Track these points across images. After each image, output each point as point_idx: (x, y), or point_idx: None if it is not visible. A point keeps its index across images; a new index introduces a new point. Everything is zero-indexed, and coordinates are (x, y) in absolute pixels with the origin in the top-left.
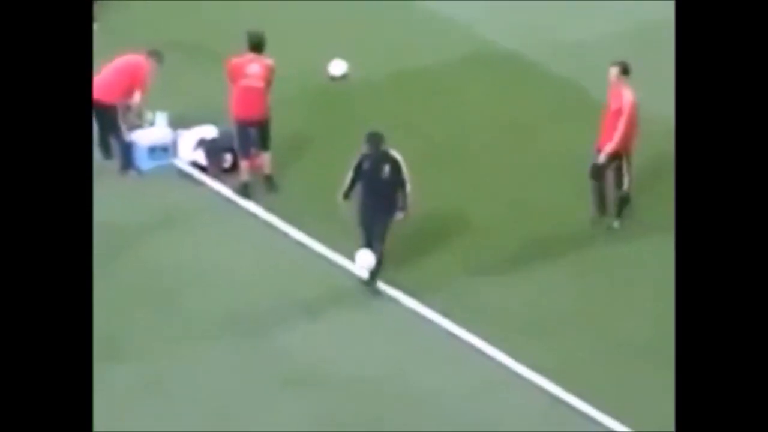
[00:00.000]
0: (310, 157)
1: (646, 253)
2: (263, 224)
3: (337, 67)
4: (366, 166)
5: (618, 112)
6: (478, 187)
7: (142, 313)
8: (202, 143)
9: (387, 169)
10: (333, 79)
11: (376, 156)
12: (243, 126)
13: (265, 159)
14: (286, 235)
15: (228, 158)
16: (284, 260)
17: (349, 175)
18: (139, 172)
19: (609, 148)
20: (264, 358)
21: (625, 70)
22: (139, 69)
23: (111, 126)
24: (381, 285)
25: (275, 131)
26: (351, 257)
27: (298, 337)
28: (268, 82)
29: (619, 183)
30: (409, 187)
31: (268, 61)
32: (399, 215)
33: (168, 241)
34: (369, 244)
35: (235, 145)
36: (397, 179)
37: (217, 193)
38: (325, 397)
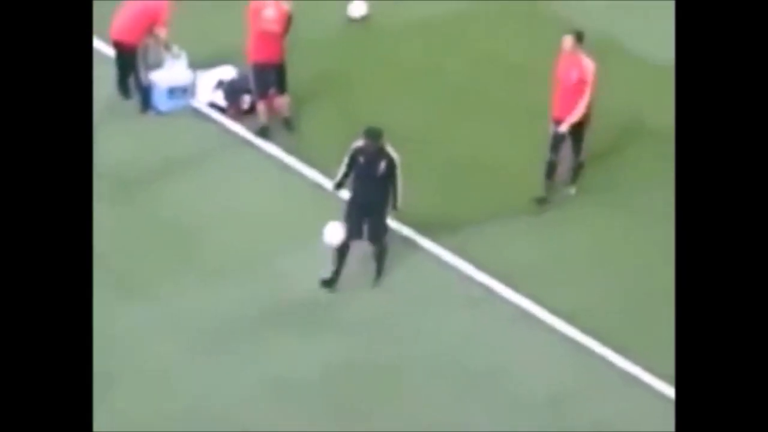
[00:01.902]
0: (328, 100)
1: (657, 199)
2: (281, 166)
3: (357, 8)
4: (361, 160)
5: (581, 82)
6: (500, 131)
7: (158, 253)
8: (221, 84)
9: (383, 165)
10: (352, 20)
11: (373, 151)
12: (260, 69)
13: (283, 101)
14: (303, 176)
15: (246, 100)
16: (301, 202)
17: (343, 166)
18: (158, 112)
19: (574, 117)
20: (280, 300)
21: (579, 38)
22: (158, 6)
23: (130, 66)
24: (398, 226)
25: (293, 74)
26: None
27: (313, 280)
28: (284, 26)
29: (577, 151)
30: (401, 187)
31: (285, 5)
32: (391, 213)
33: (185, 181)
34: (351, 236)
35: (252, 87)
36: (391, 177)
37: (235, 135)
38: (340, 339)
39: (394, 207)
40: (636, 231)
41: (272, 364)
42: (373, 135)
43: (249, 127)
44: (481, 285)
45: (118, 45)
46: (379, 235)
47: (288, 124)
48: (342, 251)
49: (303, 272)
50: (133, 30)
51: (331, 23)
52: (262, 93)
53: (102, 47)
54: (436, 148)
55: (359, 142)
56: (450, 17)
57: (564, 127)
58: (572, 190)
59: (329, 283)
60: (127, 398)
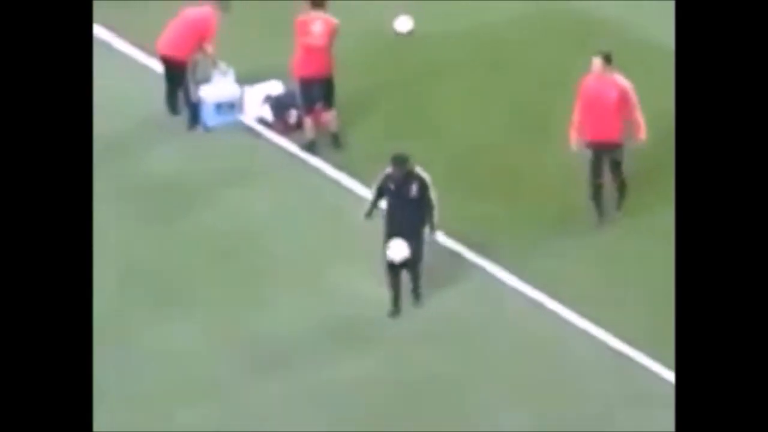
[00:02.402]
0: (375, 115)
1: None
2: (329, 181)
3: (404, 23)
4: (391, 186)
5: (622, 100)
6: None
7: (208, 266)
8: (268, 99)
9: (414, 188)
10: (399, 35)
11: (402, 176)
12: (306, 83)
13: (330, 116)
14: (351, 192)
15: (294, 114)
16: (348, 218)
17: (372, 195)
18: (206, 128)
19: (643, 133)
20: (328, 315)
21: (608, 60)
22: (207, 21)
23: (180, 82)
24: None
25: (341, 89)
26: None
27: (360, 295)
28: (331, 40)
29: (619, 172)
30: (436, 209)
31: (332, 20)
32: (429, 237)
33: (233, 197)
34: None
35: (299, 102)
36: (424, 198)
37: (283, 150)
38: (382, 355)
39: (432, 229)
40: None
41: (317, 375)
42: (400, 161)
43: (296, 142)
44: (529, 299)
45: (166, 60)
46: (416, 260)
47: (336, 139)
48: (395, 273)
49: (350, 287)
50: (182, 45)
51: (378, 37)
52: (309, 108)
53: (149, 62)
54: (487, 158)
55: (387, 170)
56: (497, 26)
57: (642, 137)
58: (619, 214)
59: (394, 312)
60: (179, 411)
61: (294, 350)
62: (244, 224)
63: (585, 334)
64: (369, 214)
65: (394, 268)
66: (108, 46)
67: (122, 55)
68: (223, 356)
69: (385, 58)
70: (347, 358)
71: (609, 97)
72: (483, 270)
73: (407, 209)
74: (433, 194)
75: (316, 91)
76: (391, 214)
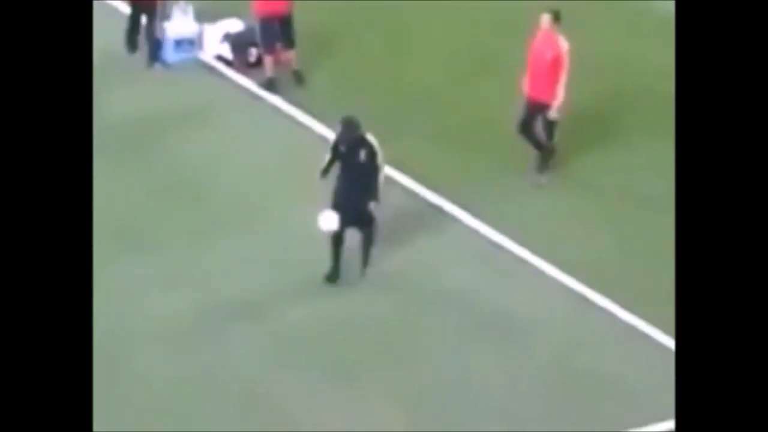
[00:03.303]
0: (335, 53)
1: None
2: (287, 119)
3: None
4: (342, 149)
5: (556, 62)
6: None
7: (166, 205)
8: (228, 37)
9: (362, 154)
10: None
11: (352, 140)
12: (266, 21)
13: (291, 55)
14: (309, 129)
15: (253, 52)
16: (307, 155)
17: (327, 153)
18: (165, 65)
19: (557, 102)
20: (288, 254)
21: (557, 17)
22: None
23: (149, 18)
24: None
25: (301, 27)
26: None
27: (318, 232)
28: None
29: (551, 135)
30: (382, 175)
31: None
32: (372, 206)
33: (193, 134)
34: (342, 224)
35: (259, 40)
36: (372, 165)
37: (242, 88)
38: (357, 294)
39: (375, 198)
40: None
41: (282, 319)
42: (349, 124)
43: (256, 80)
44: (490, 240)
45: None
46: (364, 223)
47: (298, 77)
48: (336, 242)
49: (309, 227)
50: None
51: None
52: (269, 46)
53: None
54: (447, 106)
55: (338, 132)
56: None
57: (554, 113)
58: (544, 180)
59: (332, 278)
60: (137, 356)
61: (256, 292)
62: (202, 163)
63: (539, 271)
64: (324, 173)
65: (336, 235)
66: None
67: None
68: (181, 297)
69: None
70: (311, 300)
71: (545, 56)
72: (446, 212)
73: (354, 174)
74: (381, 159)
75: (277, 29)
76: (340, 176)
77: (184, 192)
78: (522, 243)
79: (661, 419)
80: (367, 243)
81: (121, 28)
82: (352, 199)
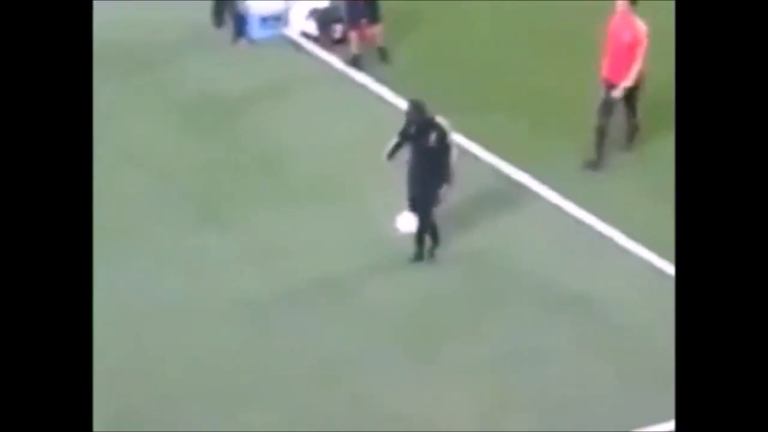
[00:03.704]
0: (419, 30)
1: None
2: (372, 95)
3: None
4: (412, 130)
5: (634, 44)
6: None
7: (247, 179)
8: (314, 13)
9: (433, 137)
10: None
11: (422, 122)
12: None
13: (376, 31)
14: (394, 106)
15: (338, 29)
16: (391, 131)
17: (395, 139)
18: (251, 41)
19: (628, 82)
20: (368, 230)
21: (634, 1)
22: None
23: None
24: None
25: (386, 4)
26: (459, 129)
27: (401, 206)
28: None
29: (634, 112)
30: (454, 156)
31: None
32: (444, 188)
33: (277, 110)
34: (414, 209)
35: (344, 17)
36: (442, 147)
37: (328, 64)
38: (438, 271)
39: (447, 180)
40: None
41: (362, 295)
42: (417, 108)
43: (341, 57)
44: (572, 217)
45: None
46: (424, 209)
47: (383, 53)
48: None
49: (389, 201)
50: None
51: None
52: (354, 22)
53: None
54: (531, 84)
55: (407, 116)
56: None
57: (618, 93)
58: (629, 153)
59: (417, 258)
60: (208, 326)
61: (335, 269)
62: (285, 138)
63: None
64: (390, 156)
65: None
66: None
67: None
68: (259, 272)
69: None
70: (390, 277)
71: (622, 38)
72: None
73: (424, 158)
74: (453, 144)
75: (362, 6)
76: (411, 161)
77: (266, 166)
78: (604, 220)
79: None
80: (423, 230)
81: (209, 4)
82: (425, 184)
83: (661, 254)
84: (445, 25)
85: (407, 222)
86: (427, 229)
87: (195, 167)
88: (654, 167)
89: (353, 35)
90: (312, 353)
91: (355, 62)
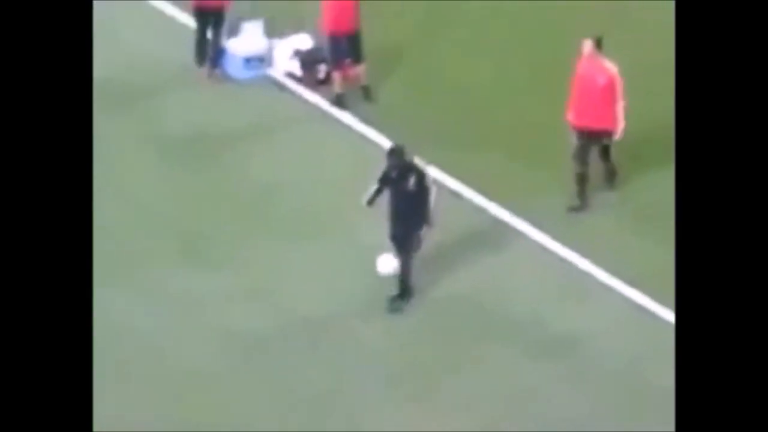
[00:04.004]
0: (403, 69)
1: None
2: (357, 135)
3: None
4: (393, 175)
5: (609, 86)
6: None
7: (233, 218)
8: (297, 54)
9: (412, 181)
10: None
11: (402, 167)
12: (334, 38)
13: (360, 70)
14: (378, 145)
15: (322, 69)
16: (376, 170)
17: (374, 185)
18: (224, 74)
19: (621, 126)
20: (355, 268)
21: (599, 44)
22: None
23: (216, 30)
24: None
25: (370, 43)
26: (443, 167)
27: (388, 243)
28: None
29: (608, 156)
30: (433, 198)
31: None
32: (424, 230)
33: (263, 149)
34: (396, 248)
35: (327, 57)
36: (421, 189)
37: (311, 104)
38: (424, 308)
39: (426, 222)
40: None
41: (350, 333)
42: (395, 152)
43: (325, 97)
44: (556, 255)
45: (204, 8)
46: (405, 248)
47: (367, 92)
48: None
49: (376, 242)
50: None
51: None
52: (338, 62)
53: (176, 14)
54: (515, 123)
55: (388, 161)
56: None
57: (619, 136)
58: (612, 194)
59: (400, 299)
60: (197, 358)
61: (322, 306)
62: (270, 178)
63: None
64: (370, 203)
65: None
66: None
67: (150, 7)
68: (247, 310)
69: (415, 11)
70: (379, 315)
71: (596, 82)
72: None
73: (403, 202)
74: (431, 183)
75: (345, 46)
76: (391, 204)
77: (252, 204)
78: (587, 257)
79: None
80: (407, 269)
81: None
82: (406, 227)
83: (644, 291)
84: (427, 62)
85: (387, 263)
86: (409, 270)
87: (180, 205)
88: (635, 204)
89: (337, 75)
90: (301, 392)
91: (338, 101)
